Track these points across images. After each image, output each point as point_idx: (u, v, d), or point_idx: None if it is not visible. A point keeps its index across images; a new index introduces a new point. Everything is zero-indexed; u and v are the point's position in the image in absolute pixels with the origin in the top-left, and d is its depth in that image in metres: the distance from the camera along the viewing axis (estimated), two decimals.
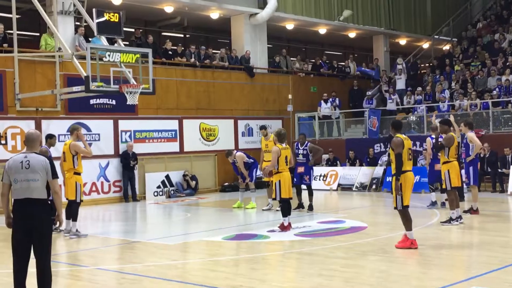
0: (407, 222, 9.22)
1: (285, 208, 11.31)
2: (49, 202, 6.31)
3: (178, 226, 13.82)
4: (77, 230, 11.45)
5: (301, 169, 14.30)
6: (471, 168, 13.08)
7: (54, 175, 6.28)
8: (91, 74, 13.90)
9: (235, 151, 16.16)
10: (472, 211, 12.93)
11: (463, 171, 13.05)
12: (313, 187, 14.84)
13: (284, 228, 11.26)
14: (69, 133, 17.38)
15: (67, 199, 11.35)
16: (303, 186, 14.61)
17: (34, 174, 6.17)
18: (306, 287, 7.06)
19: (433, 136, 14.72)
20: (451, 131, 12.18)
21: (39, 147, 6.50)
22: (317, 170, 20.68)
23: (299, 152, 14.38)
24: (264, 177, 12.10)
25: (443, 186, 11.95)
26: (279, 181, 11.20)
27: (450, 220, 11.53)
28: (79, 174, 11.50)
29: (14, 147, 16.37)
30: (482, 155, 17.25)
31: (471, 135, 12.97)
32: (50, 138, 12.30)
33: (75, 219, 11.44)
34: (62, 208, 6.50)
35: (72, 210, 11.41)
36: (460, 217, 11.65)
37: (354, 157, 20.91)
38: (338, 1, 25.76)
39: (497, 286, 6.86)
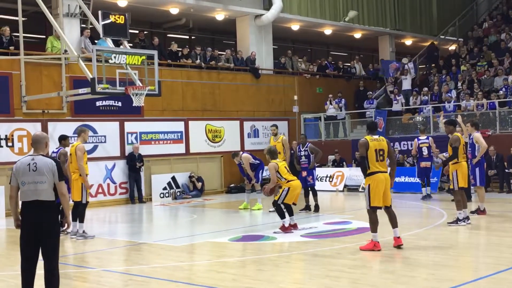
0: (372, 224, 9.19)
1: (281, 210, 11.29)
2: (57, 204, 6.33)
3: (184, 227, 13.82)
4: (84, 232, 11.48)
5: (304, 173, 14.32)
6: (477, 169, 13.03)
7: (61, 177, 6.29)
8: (97, 76, 13.93)
9: (241, 152, 16.18)
10: (479, 211, 12.88)
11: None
12: (319, 188, 14.83)
13: (285, 229, 11.24)
14: (75, 135, 17.55)
15: (72, 200, 11.38)
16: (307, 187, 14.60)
17: (41, 176, 6.19)
18: None
19: (421, 138, 15.93)
20: (457, 132, 12.15)
21: (46, 149, 6.50)
22: (323, 171, 20.69)
23: (301, 154, 14.39)
24: (265, 195, 12.01)
25: (451, 187, 11.91)
26: (289, 188, 11.21)
27: (457, 221, 11.49)
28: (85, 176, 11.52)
29: (20, 149, 16.42)
30: (493, 160, 17.31)
31: (477, 135, 12.92)
32: (64, 139, 12.28)
33: (82, 221, 11.47)
34: (69, 210, 6.50)
35: (79, 212, 11.44)
36: (467, 218, 11.61)
37: None
38: (343, 1, 25.75)
39: (505, 287, 6.83)
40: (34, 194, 6.17)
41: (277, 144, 14.32)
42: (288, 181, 11.27)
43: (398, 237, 9.25)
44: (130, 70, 15.00)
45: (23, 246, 6.22)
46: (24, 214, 6.21)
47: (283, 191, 11.25)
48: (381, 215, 9.31)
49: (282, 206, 11.26)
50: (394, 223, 9.30)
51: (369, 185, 9.15)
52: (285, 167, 11.45)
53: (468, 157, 13.10)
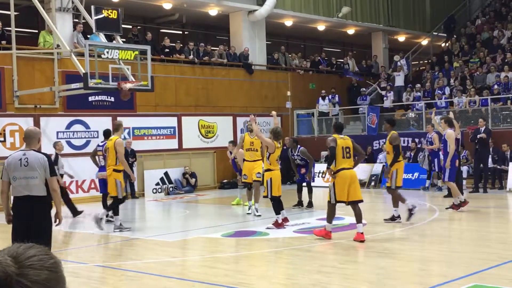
0: (329, 216, 9.67)
1: (277, 205, 11.29)
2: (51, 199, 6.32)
3: (177, 223, 13.82)
4: (120, 224, 11.58)
5: (303, 170, 14.33)
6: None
7: (52, 173, 6.26)
8: (89, 71, 13.86)
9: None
10: (462, 203, 12.72)
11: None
12: (312, 184, 14.84)
13: (278, 225, 11.23)
14: (67, 130, 17.49)
15: (110, 196, 11.61)
16: (303, 184, 14.60)
17: (33, 172, 6.16)
18: (306, 284, 7.06)
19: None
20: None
21: (38, 144, 6.48)
22: (316, 167, 20.67)
23: (296, 158, 14.37)
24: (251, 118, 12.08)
25: (388, 185, 11.78)
26: (271, 178, 11.16)
27: (393, 218, 11.46)
28: (119, 171, 11.37)
29: (12, 144, 16.35)
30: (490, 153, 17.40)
31: (450, 132, 12.79)
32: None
33: (116, 213, 11.56)
34: (61, 206, 6.49)
35: (112, 205, 11.54)
36: (412, 207, 11.44)
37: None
38: None
39: (497, 282, 6.87)
40: (26, 189, 6.15)
41: (254, 140, 13.35)
42: (268, 170, 11.16)
43: (361, 233, 9.43)
44: (123, 65, 14.94)
45: (14, 241, 6.19)
46: (15, 209, 6.19)
47: (267, 184, 11.15)
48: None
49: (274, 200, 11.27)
50: (358, 219, 9.53)
51: (334, 182, 9.50)
52: (278, 157, 11.35)
53: (440, 153, 13.17)
